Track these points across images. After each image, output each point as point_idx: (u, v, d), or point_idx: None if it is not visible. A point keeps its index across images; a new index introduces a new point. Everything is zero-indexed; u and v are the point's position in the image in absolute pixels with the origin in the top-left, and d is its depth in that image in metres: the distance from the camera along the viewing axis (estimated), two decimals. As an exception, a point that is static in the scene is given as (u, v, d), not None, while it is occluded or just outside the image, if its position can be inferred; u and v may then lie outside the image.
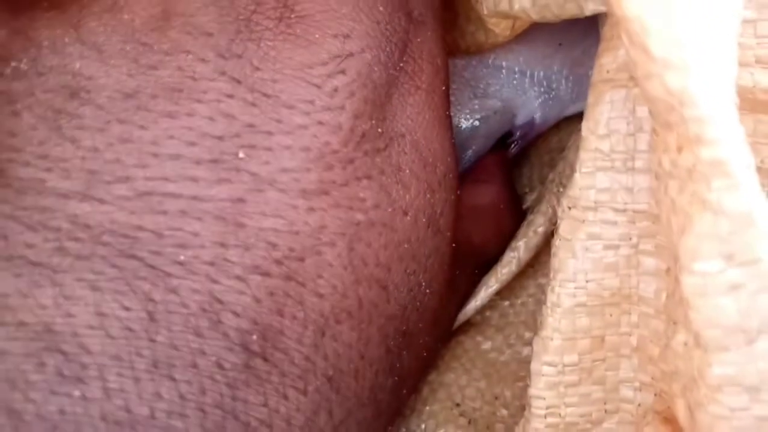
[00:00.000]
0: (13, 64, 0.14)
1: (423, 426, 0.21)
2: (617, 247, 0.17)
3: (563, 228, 0.17)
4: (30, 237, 0.13)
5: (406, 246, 0.16)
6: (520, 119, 0.22)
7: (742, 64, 0.17)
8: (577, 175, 0.17)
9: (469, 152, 0.22)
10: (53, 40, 0.14)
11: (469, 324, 0.23)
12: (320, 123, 0.15)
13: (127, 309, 0.13)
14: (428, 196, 0.17)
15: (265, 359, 0.13)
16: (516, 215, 0.22)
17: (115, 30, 0.14)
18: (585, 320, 0.17)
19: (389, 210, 0.16)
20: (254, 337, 0.13)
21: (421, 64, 0.17)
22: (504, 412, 0.22)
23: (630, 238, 0.17)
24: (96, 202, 0.13)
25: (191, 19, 0.14)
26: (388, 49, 0.16)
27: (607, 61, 0.17)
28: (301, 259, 0.14)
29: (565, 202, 0.17)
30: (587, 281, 0.17)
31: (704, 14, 0.12)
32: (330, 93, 0.15)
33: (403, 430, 0.21)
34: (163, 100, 0.14)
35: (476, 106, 0.22)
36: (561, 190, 0.21)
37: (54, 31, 0.14)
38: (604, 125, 0.17)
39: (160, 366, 0.13)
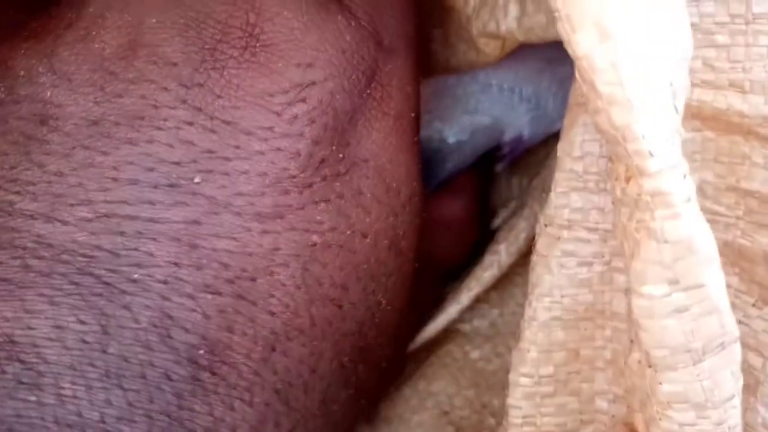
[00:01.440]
0: None
1: None
2: (591, 264, 0.18)
3: (540, 244, 0.18)
4: None
5: (364, 267, 0.17)
6: (509, 135, 0.23)
7: (717, 88, 0.17)
8: (552, 194, 0.18)
9: (450, 164, 0.22)
10: (29, 70, 0.15)
11: (458, 333, 0.23)
12: (278, 149, 0.15)
13: (82, 323, 0.14)
14: (391, 219, 0.17)
15: (213, 372, 0.14)
16: (479, 231, 0.23)
17: (86, 59, 0.15)
18: (560, 334, 0.18)
19: (348, 233, 0.16)
20: (202, 351, 0.14)
21: (390, 91, 0.17)
22: (492, 420, 0.23)
23: (603, 256, 0.17)
24: (59, 223, 0.14)
25: (157, 50, 0.15)
26: (354, 76, 0.16)
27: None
28: (253, 279, 0.15)
29: (542, 220, 0.18)
30: (562, 296, 0.18)
31: (650, 53, 0.12)
32: (289, 120, 0.15)
33: None
34: (125, 128, 0.15)
35: (466, 122, 0.22)
36: (544, 195, 0.22)
37: (30, 61, 0.15)
38: (578, 147, 0.17)
39: (111, 375, 0.13)
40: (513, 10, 0.20)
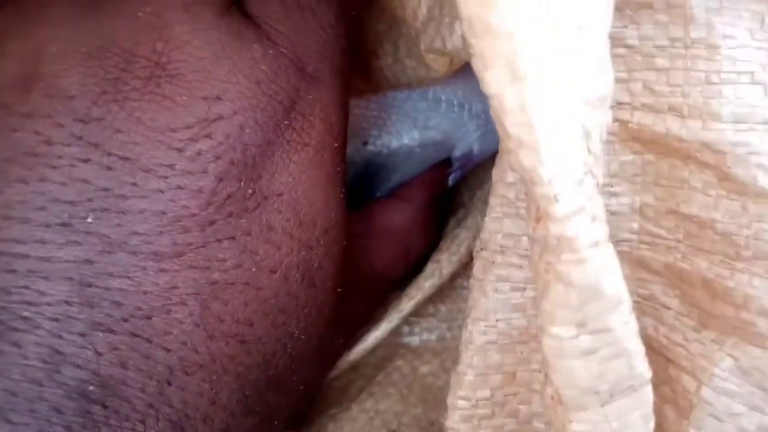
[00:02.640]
0: None
1: None
2: (524, 289, 0.18)
3: (476, 268, 0.18)
4: None
5: (273, 301, 0.16)
6: (459, 150, 0.23)
7: (656, 111, 0.17)
8: (487, 219, 0.18)
9: (398, 175, 0.22)
10: None
11: (406, 349, 0.23)
12: (179, 187, 0.15)
13: None
14: (303, 252, 0.17)
15: (104, 406, 0.14)
16: (428, 238, 0.23)
17: None
18: (497, 357, 0.18)
19: (253, 269, 0.16)
20: (92, 387, 0.14)
21: (312, 120, 0.17)
22: (438, 438, 0.23)
23: (534, 282, 0.17)
24: None
25: (54, 81, 0.15)
26: (269, 108, 0.16)
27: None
28: (149, 318, 0.15)
29: (477, 244, 0.18)
30: (497, 320, 0.18)
31: (561, 96, 0.12)
32: (192, 157, 0.15)
33: None
34: (18, 165, 0.14)
35: (416, 137, 0.22)
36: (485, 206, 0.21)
37: None
38: (511, 174, 0.17)
39: None
40: (458, 28, 0.19)
